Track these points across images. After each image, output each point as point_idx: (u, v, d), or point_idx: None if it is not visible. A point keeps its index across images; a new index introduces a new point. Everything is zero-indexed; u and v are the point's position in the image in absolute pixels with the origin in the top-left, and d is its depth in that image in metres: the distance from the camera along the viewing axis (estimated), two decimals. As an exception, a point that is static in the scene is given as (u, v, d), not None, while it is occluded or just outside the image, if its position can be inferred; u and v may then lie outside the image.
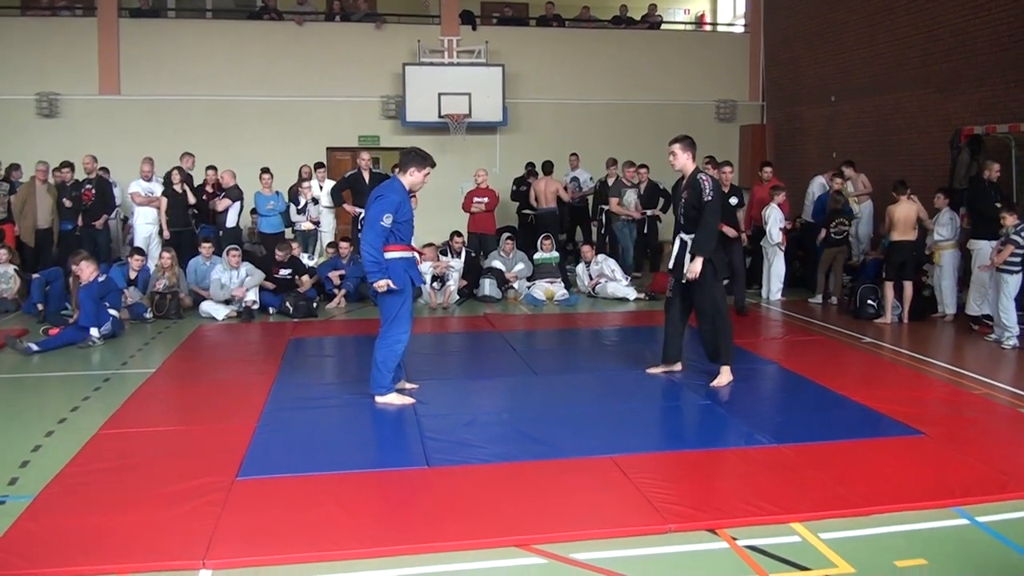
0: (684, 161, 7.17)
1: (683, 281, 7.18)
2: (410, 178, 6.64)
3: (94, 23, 16.30)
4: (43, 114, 16.02)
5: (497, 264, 12.56)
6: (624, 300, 12.14)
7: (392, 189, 6.60)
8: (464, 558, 4.16)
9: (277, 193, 12.98)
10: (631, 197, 13.57)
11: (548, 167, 14.59)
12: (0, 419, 6.67)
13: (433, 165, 6.73)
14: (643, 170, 14.07)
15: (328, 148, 17.00)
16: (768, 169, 13.04)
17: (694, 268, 7.01)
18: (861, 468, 5.24)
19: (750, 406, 6.76)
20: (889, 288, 10.36)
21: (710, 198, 6.97)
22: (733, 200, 10.94)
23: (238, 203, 12.69)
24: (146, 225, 12.50)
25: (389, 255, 6.52)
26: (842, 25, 15.35)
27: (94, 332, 9.15)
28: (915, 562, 4.12)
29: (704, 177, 7.06)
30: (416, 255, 6.82)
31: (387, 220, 6.43)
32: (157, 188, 12.64)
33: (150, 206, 12.49)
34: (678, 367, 7.63)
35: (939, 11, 12.71)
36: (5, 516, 4.54)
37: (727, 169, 11.51)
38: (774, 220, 11.82)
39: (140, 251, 11.32)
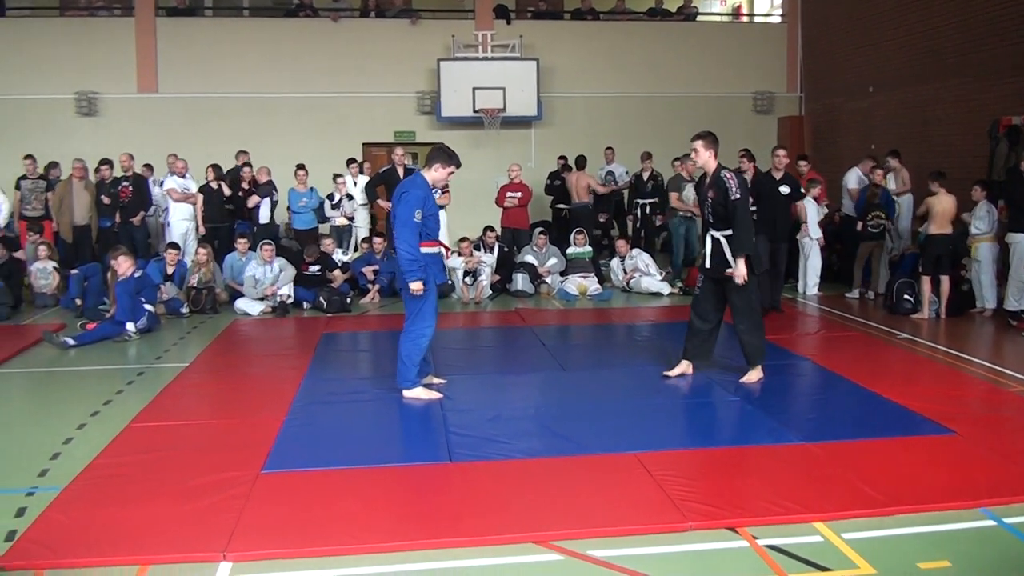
0: (706, 158, 7.06)
1: (721, 278, 7.08)
2: (434, 174, 6.67)
3: (132, 23, 16.53)
4: (82, 113, 16.29)
5: (530, 259, 12.55)
6: (658, 295, 12.08)
7: (415, 185, 6.63)
8: (480, 554, 4.16)
9: (312, 189, 13.05)
10: (690, 192, 12.78)
11: (581, 161, 14.56)
12: (34, 412, 6.83)
13: (458, 165, 6.75)
14: (677, 163, 13.93)
15: (364, 144, 17.08)
16: (803, 163, 12.86)
17: (740, 271, 6.91)
18: (888, 467, 5.16)
19: (780, 403, 6.68)
20: (926, 283, 10.19)
21: (737, 196, 6.87)
22: (785, 189, 10.45)
23: (268, 199, 12.77)
24: (181, 221, 12.64)
25: (422, 250, 6.57)
26: (878, 15, 15.13)
27: (130, 327, 9.28)
28: (939, 564, 4.05)
29: (728, 174, 6.96)
30: (443, 250, 6.83)
31: (418, 216, 6.47)
32: (192, 184, 12.79)
33: (186, 202, 12.63)
34: (690, 369, 7.47)
35: (975, -1, 12.52)
36: (33, 507, 4.65)
37: (780, 152, 10.75)
38: (811, 214, 11.69)
39: (175, 246, 11.47)
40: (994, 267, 10.27)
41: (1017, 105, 11.53)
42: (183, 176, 12.78)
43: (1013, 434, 5.90)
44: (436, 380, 7.16)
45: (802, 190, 11.14)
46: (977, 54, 12.52)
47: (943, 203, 10.14)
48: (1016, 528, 4.43)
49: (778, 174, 10.25)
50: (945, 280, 10.16)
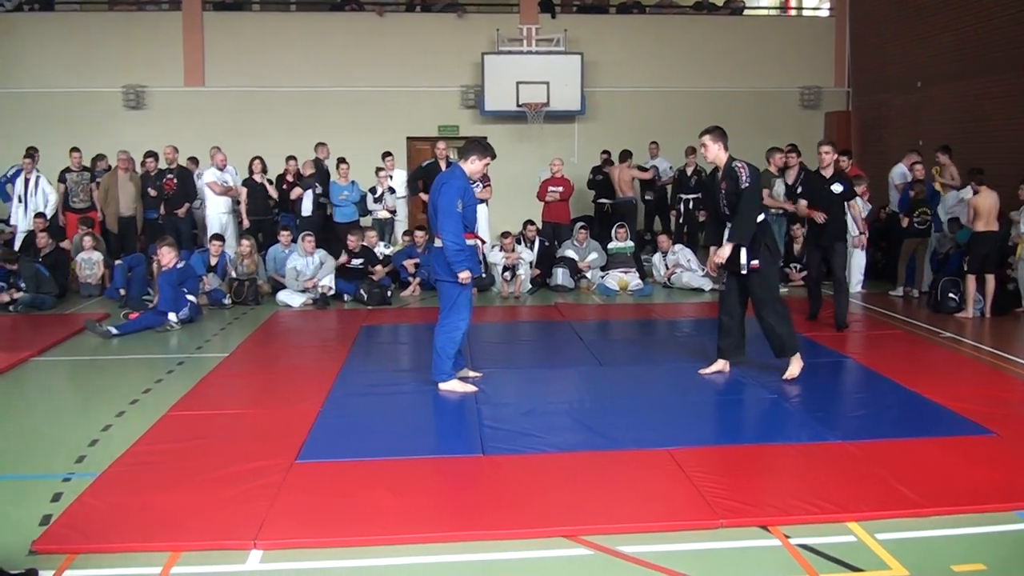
0: (716, 152, 7.00)
1: (743, 272, 7.02)
2: (471, 166, 6.69)
3: (179, 17, 16.76)
4: (130, 106, 16.57)
5: (570, 253, 12.51)
6: (699, 291, 11.99)
7: (454, 176, 6.68)
8: (510, 547, 4.16)
9: (353, 183, 13.12)
10: (780, 187, 11.90)
11: (624, 155, 14.48)
12: (75, 399, 6.96)
13: (494, 156, 6.79)
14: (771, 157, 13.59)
15: (408, 138, 17.16)
16: (845, 158, 12.63)
17: (723, 253, 6.94)
18: (925, 468, 5.07)
19: (818, 401, 6.58)
20: (971, 281, 9.98)
21: (747, 184, 6.82)
22: (837, 187, 9.27)
23: (311, 192, 12.85)
24: (219, 214, 12.78)
25: None
26: (927, 8, 14.88)
27: (172, 317, 9.41)
28: (973, 567, 3.97)
29: (740, 164, 6.90)
30: (478, 242, 6.84)
31: (459, 206, 6.51)
32: (231, 177, 12.92)
33: (228, 195, 12.76)
34: (727, 368, 7.41)
35: (1030, -11, 12.25)
36: (69, 493, 4.72)
37: (825, 149, 9.58)
38: (856, 211, 11.51)
39: (220, 237, 11.59)
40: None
41: (1070, 100, 11.29)
42: (222, 169, 12.88)
43: (1055, 436, 5.76)
44: (472, 373, 7.17)
45: (856, 188, 10.02)
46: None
47: (987, 200, 9.94)
48: (1055, 533, 4.34)
49: (827, 171, 9.44)
50: (991, 278, 9.96)
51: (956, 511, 4.52)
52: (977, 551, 4.14)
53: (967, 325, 9.65)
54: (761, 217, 6.98)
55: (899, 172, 12.54)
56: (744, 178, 6.82)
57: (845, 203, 9.48)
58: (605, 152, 15.35)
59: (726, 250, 6.92)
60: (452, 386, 6.78)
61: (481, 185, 12.52)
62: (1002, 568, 3.98)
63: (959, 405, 6.27)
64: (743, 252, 6.91)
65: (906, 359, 7.96)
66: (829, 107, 18.09)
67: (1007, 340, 8.93)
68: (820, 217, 9.26)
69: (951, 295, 10.26)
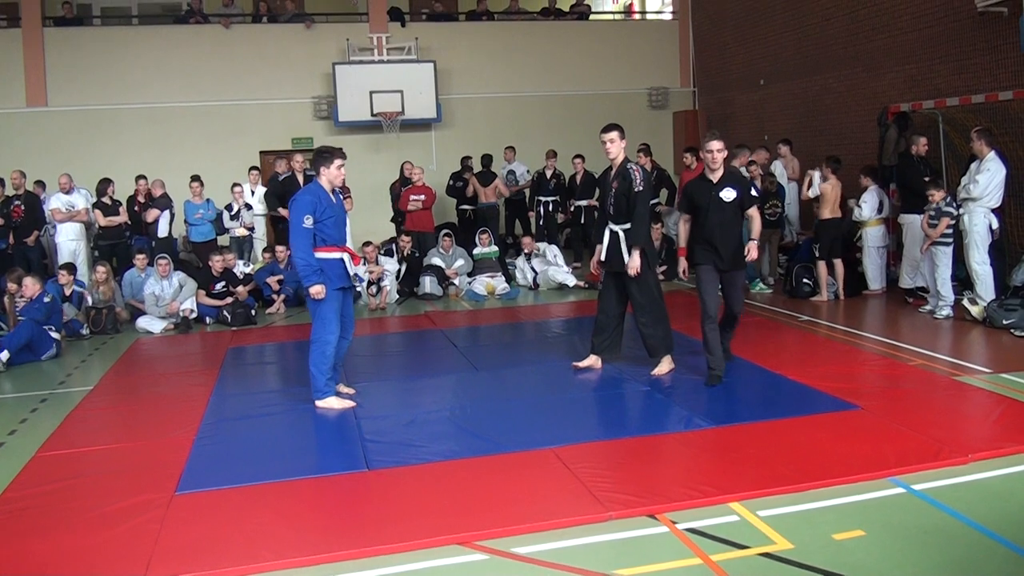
0: (617, 150, 7.17)
1: (620, 272, 7.20)
2: (327, 176, 6.67)
3: (18, 34, 15.95)
4: (-32, 129, 15.66)
5: (436, 261, 12.55)
6: (565, 289, 12.24)
7: (306, 191, 6.70)
8: (406, 559, 4.15)
9: (208, 201, 12.80)
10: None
11: (487, 160, 14.66)
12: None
13: (342, 156, 6.75)
14: (578, 160, 14.14)
15: (261, 152, 16.79)
16: (689, 155, 13.06)
17: (633, 263, 7.05)
18: (798, 445, 5.34)
19: (689, 390, 6.82)
20: (822, 266, 10.54)
21: (640, 188, 7.01)
22: (729, 194, 6.96)
23: (167, 212, 12.48)
24: (69, 241, 12.22)
25: (318, 256, 6.57)
26: (768, 9, 15.55)
27: (3, 355, 8.83)
28: (853, 534, 4.20)
29: (634, 167, 7.10)
30: (347, 256, 6.78)
31: (308, 221, 6.48)
32: (78, 200, 12.37)
33: (72, 221, 12.22)
34: (599, 363, 7.60)
35: (863, -10, 12.95)
36: (-62, 547, 4.45)
37: (714, 146, 6.91)
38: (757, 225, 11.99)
39: (69, 267, 11.03)
40: (882, 250, 10.69)
41: (905, 93, 11.99)
42: (68, 193, 12.31)
43: (915, 405, 6.16)
44: (345, 389, 7.11)
45: (754, 192, 7.41)
46: (865, 44, 12.95)
47: (834, 189, 10.49)
48: (924, 494, 4.63)
49: (715, 175, 7.01)
50: (839, 263, 10.53)
51: (832, 483, 4.77)
52: (856, 519, 4.37)
53: (822, 308, 10.17)
54: None
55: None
56: (638, 181, 6.99)
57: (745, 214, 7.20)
58: (466, 158, 15.44)
59: (636, 259, 7.04)
60: (329, 403, 6.72)
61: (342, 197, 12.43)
62: (880, 532, 4.22)
63: (823, 384, 6.65)
64: (624, 251, 7.07)
65: (768, 344, 8.35)
66: (676, 107, 18.67)
67: (861, 319, 9.50)
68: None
69: (805, 280, 10.79)
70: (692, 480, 4.84)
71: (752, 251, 7.06)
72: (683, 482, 4.82)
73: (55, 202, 12.24)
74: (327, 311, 6.65)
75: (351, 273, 6.79)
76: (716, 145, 6.93)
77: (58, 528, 4.61)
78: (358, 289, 6.51)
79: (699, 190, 7.04)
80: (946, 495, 4.61)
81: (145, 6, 19.13)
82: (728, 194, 6.89)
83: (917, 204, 9.83)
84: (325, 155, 6.70)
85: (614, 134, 7.17)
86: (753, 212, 7.15)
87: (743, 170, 11.35)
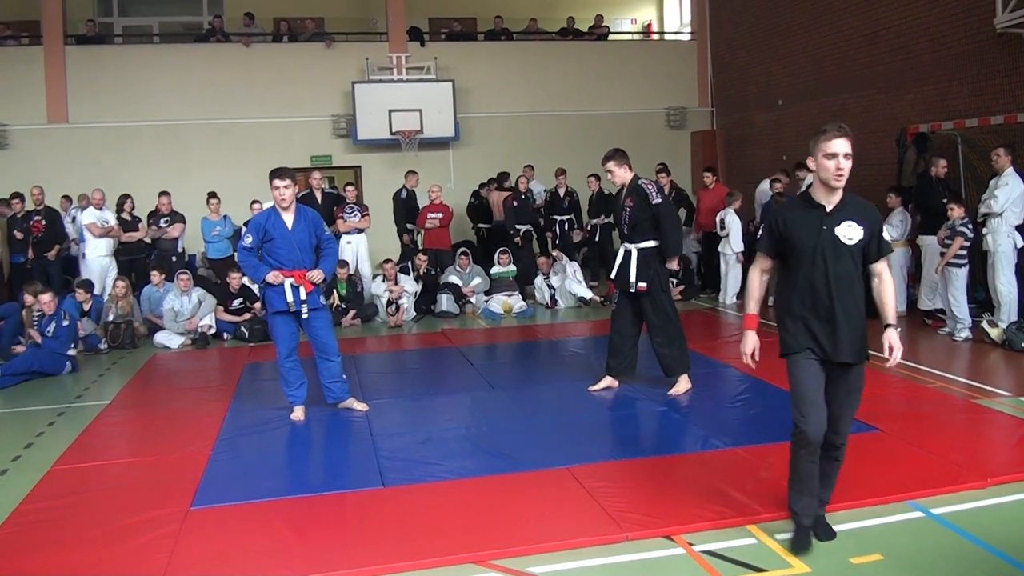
0: (622, 173, 7.22)
1: (632, 291, 7.19)
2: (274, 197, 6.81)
3: (40, 52, 16.07)
4: (-9, 146, 15.82)
5: (454, 279, 12.57)
6: (583, 307, 12.27)
7: (259, 214, 7.08)
8: (420, 578, 4.14)
9: (225, 217, 12.86)
10: None
11: (502, 178, 14.67)
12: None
13: (280, 176, 6.74)
14: (592, 179, 14.11)
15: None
16: (709, 175, 13.05)
17: (671, 266, 7.22)
18: (815, 467, 5.28)
19: (707, 411, 6.80)
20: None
21: (658, 200, 7.03)
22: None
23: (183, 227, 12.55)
24: (101, 257, 12.20)
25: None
26: (786, 30, 15.55)
27: None
28: (871, 558, 4.16)
29: (646, 182, 7.14)
30: (288, 279, 6.78)
31: (247, 240, 6.75)
32: (110, 216, 12.46)
33: (108, 236, 12.26)
34: (615, 384, 7.56)
35: (881, 12, 12.88)
36: (-46, 559, 4.47)
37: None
38: (736, 228, 11.96)
39: (86, 283, 11.04)
40: (903, 272, 10.61)
41: (924, 114, 11.94)
42: (100, 208, 12.36)
43: (934, 428, 6.12)
44: (358, 406, 7.15)
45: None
46: (884, 66, 12.91)
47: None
48: (943, 518, 4.59)
49: (831, 197, 4.56)
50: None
51: (850, 506, 4.73)
52: (874, 542, 4.33)
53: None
54: (653, 243, 7.14)
55: (762, 190, 13.05)
56: (654, 194, 7.01)
57: None
58: (501, 174, 15.49)
59: (673, 264, 7.21)
60: (295, 414, 6.99)
61: (360, 214, 12.49)
62: (898, 556, 4.18)
63: (841, 406, 6.55)
64: (632, 271, 7.07)
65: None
66: (695, 127, 18.65)
67: (878, 341, 9.32)
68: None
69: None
70: (709, 501, 4.80)
71: (894, 345, 4.53)
72: (700, 503, 4.79)
73: (89, 216, 12.19)
74: (273, 332, 7.00)
75: (289, 300, 6.77)
76: (843, 146, 4.40)
77: (73, 541, 4.62)
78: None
79: (799, 220, 4.42)
80: (965, 520, 4.56)
81: (166, 25, 19.30)
82: (852, 231, 4.32)
83: (936, 225, 9.74)
84: (270, 175, 6.80)
85: (611, 163, 7.24)
86: (882, 269, 4.53)
87: (768, 188, 11.64)
